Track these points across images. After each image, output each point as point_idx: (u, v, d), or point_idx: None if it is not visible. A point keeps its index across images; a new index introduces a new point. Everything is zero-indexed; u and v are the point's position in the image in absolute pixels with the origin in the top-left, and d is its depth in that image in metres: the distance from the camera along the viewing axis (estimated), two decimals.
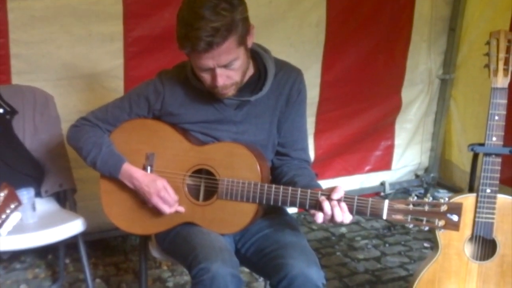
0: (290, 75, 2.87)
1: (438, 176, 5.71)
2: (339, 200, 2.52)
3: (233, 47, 2.56)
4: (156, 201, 2.78)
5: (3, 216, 2.09)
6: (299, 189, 2.61)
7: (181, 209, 2.81)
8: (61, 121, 3.77)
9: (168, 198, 2.78)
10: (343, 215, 2.52)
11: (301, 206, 2.62)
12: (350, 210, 2.53)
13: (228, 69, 2.62)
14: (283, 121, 2.88)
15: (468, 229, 2.96)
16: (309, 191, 2.58)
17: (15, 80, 3.95)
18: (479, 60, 3.04)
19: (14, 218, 2.13)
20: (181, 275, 4.23)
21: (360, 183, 5.42)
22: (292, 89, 2.86)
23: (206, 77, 2.67)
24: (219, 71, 2.61)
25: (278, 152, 2.94)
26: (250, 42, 2.68)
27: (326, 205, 2.52)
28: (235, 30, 2.52)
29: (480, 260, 3.02)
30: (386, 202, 2.51)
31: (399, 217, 2.50)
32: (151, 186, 2.79)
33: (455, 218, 2.48)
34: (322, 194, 2.56)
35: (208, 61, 2.58)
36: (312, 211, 2.58)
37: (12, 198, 2.12)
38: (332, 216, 2.52)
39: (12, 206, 2.11)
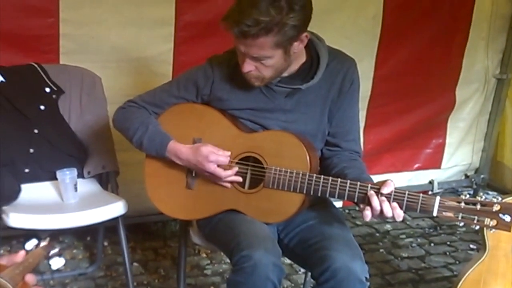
0: (344, 64, 2.83)
1: (489, 177, 5.62)
2: (388, 195, 2.47)
3: (268, 46, 2.54)
4: (209, 167, 2.73)
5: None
6: (348, 181, 2.55)
7: (238, 178, 2.76)
8: (108, 103, 3.76)
9: (219, 158, 2.73)
10: (394, 212, 2.46)
11: (350, 198, 2.56)
12: (400, 206, 2.47)
13: (258, 62, 2.62)
14: (334, 111, 2.83)
15: None
16: (358, 183, 2.53)
17: (63, 60, 3.94)
18: None
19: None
20: (219, 263, 4.22)
21: (408, 180, 5.35)
22: (345, 78, 2.81)
23: (240, 58, 2.68)
24: (248, 59, 2.61)
25: (329, 143, 2.88)
26: (296, 49, 2.64)
27: (374, 200, 2.47)
28: (278, 33, 2.50)
29: None
30: (438, 198, 2.46)
31: (449, 214, 2.46)
32: (197, 154, 2.75)
33: (507, 218, 2.43)
34: (371, 188, 2.50)
35: (240, 46, 2.59)
36: (361, 206, 2.53)
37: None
38: (381, 211, 2.46)
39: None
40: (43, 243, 1.90)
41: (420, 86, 5.00)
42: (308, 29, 2.66)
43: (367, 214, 2.48)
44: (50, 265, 2.08)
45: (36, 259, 1.81)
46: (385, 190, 2.47)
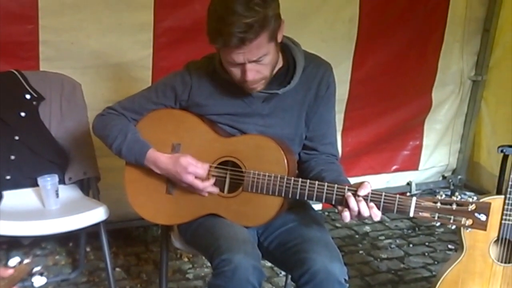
0: (319, 69, 2.84)
1: (466, 178, 5.67)
2: (365, 197, 2.50)
3: (264, 43, 2.54)
4: (187, 178, 2.75)
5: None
6: (326, 184, 2.58)
7: (215, 189, 2.78)
8: (88, 109, 3.76)
9: (197, 171, 2.75)
10: (371, 211, 2.49)
11: (327, 201, 2.58)
12: (377, 207, 2.50)
13: (258, 64, 2.60)
14: (311, 115, 2.85)
15: (494, 231, 2.93)
16: (335, 186, 2.55)
17: (44, 66, 3.95)
18: None
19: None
20: (201, 267, 4.23)
21: (386, 182, 5.38)
22: (321, 83, 2.83)
23: (236, 71, 2.65)
24: (249, 66, 2.59)
25: (306, 146, 2.90)
26: (280, 37, 2.66)
27: (351, 201, 2.50)
28: (268, 26, 2.50)
29: (505, 262, 2.99)
30: (414, 199, 2.49)
31: (426, 214, 2.49)
32: (176, 165, 2.76)
33: (482, 217, 2.45)
34: (349, 190, 2.53)
35: (239, 56, 2.56)
36: (340, 208, 2.55)
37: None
38: (359, 212, 2.49)
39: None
40: (26, 260, 1.95)
41: (396, 88, 5.04)
42: (285, 33, 2.69)
43: (346, 215, 2.51)
44: (32, 283, 2.11)
45: (20, 274, 1.86)
46: (362, 192, 2.50)
